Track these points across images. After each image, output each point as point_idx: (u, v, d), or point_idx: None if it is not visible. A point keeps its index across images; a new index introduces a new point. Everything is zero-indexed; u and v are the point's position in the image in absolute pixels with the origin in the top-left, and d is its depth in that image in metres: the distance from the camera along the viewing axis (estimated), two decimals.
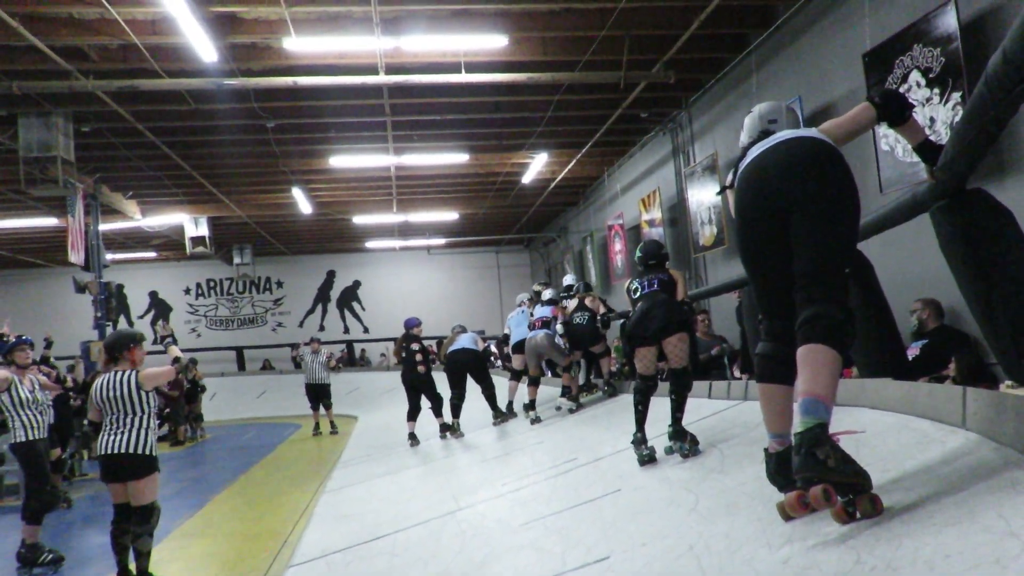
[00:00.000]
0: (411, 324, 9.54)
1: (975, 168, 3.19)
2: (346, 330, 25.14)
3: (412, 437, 9.19)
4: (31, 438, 5.92)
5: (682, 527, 3.26)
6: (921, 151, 3.15)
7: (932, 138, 6.47)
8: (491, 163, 14.98)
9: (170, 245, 20.34)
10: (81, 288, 13.56)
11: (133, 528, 4.70)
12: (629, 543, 3.33)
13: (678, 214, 12.88)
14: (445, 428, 9.10)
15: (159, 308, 24.65)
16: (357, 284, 25.50)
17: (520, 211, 19.92)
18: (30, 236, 18.85)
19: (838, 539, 2.37)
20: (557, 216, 21.40)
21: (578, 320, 8.30)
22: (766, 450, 2.81)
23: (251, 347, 24.03)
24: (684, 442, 4.54)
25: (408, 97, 11.16)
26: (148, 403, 4.82)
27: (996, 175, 5.99)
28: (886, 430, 3.26)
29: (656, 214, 13.51)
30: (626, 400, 7.76)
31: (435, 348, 13.08)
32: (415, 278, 24.96)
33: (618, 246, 15.81)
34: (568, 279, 9.66)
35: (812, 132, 2.82)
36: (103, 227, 14.41)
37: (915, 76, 6.65)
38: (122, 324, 22.89)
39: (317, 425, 14.00)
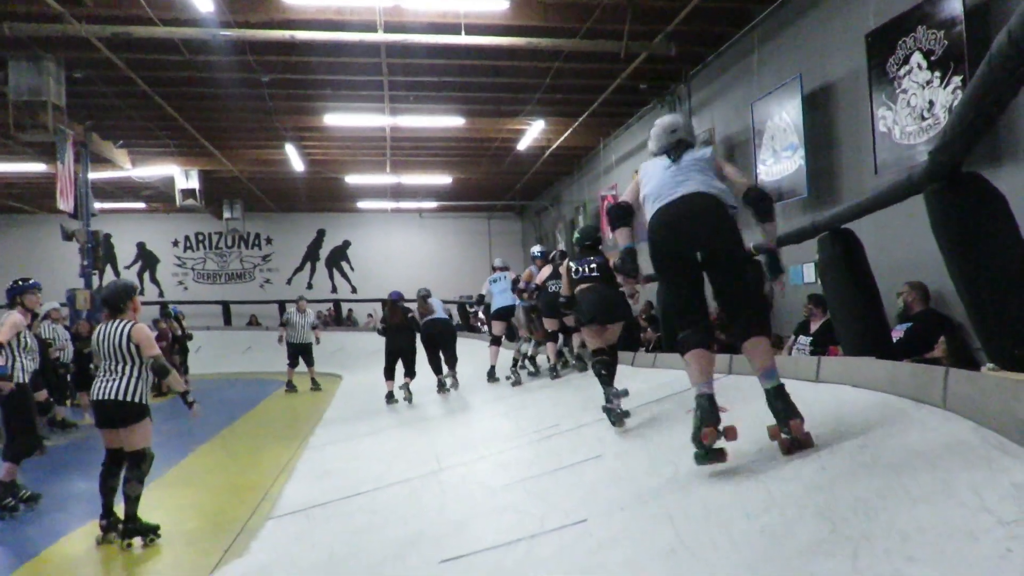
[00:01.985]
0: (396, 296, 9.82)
1: (971, 151, 3.19)
2: (334, 289, 25.08)
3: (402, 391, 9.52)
4: (23, 381, 5.92)
5: (660, 494, 3.29)
6: (766, 254, 3.80)
7: (925, 124, 6.50)
8: (487, 128, 14.87)
9: (159, 197, 20.15)
10: (68, 236, 13.46)
11: (125, 472, 4.82)
12: (608, 507, 3.37)
13: None
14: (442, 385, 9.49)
15: (146, 258, 24.52)
16: (347, 244, 25.40)
17: (514, 178, 19.83)
18: (18, 181, 18.64)
19: (815, 510, 2.40)
20: (551, 185, 21.32)
21: (553, 288, 8.14)
22: (703, 393, 3.37)
23: (238, 302, 23.95)
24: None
25: (406, 57, 11.03)
26: (139, 355, 4.92)
27: (991, 161, 6.00)
28: (868, 408, 3.28)
29: None
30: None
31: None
32: (406, 241, 24.88)
33: None
34: (536, 249, 9.62)
35: (712, 188, 3.54)
36: (92, 176, 14.27)
37: (917, 58, 6.62)
38: (108, 274, 22.80)
39: (290, 382, 13.93)
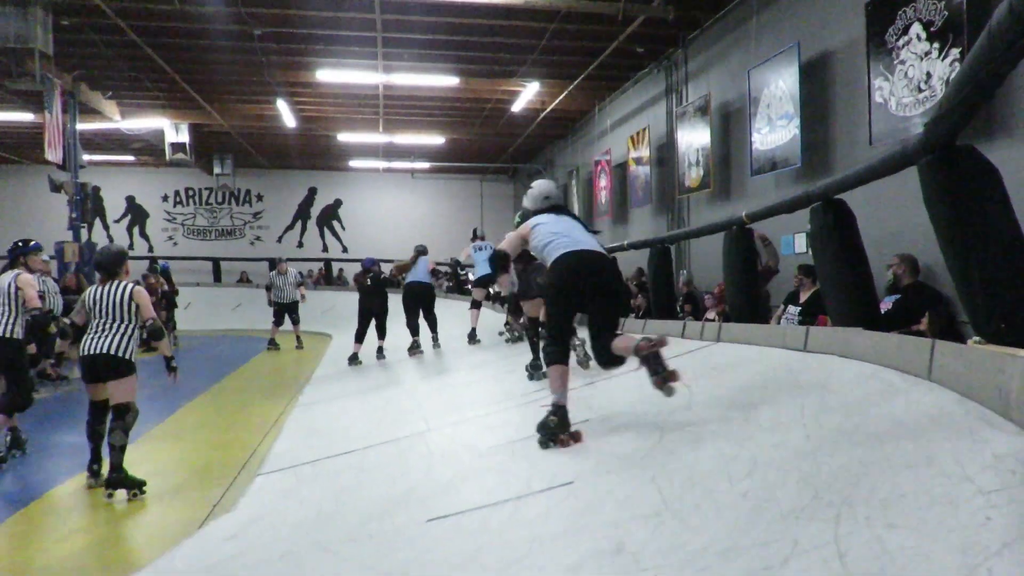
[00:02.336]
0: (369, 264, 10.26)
1: (967, 123, 3.18)
2: (325, 248, 24.99)
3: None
4: (20, 337, 6.01)
5: (646, 458, 3.33)
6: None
7: (921, 96, 6.46)
8: (481, 89, 14.73)
9: (149, 150, 19.95)
10: (57, 187, 13.33)
11: (110, 424, 4.99)
12: (594, 471, 3.40)
13: (666, 154, 12.81)
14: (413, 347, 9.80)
15: (136, 213, 24.32)
16: (338, 203, 25.25)
17: (507, 141, 19.70)
18: (5, 130, 18.39)
19: (798, 476, 2.43)
20: (544, 148, 21.20)
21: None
22: (556, 404, 4.03)
23: (228, 259, 23.85)
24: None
25: (401, 13, 10.88)
26: (135, 315, 5.15)
27: (986, 134, 5.99)
28: (854, 378, 3.31)
29: (644, 152, 13.42)
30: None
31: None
32: (397, 201, 24.75)
33: (603, 182, 15.73)
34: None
35: (601, 247, 4.54)
36: (81, 126, 14.09)
37: (916, 28, 6.57)
38: (98, 227, 22.65)
39: (273, 340, 13.99)
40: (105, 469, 4.99)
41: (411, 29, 11.59)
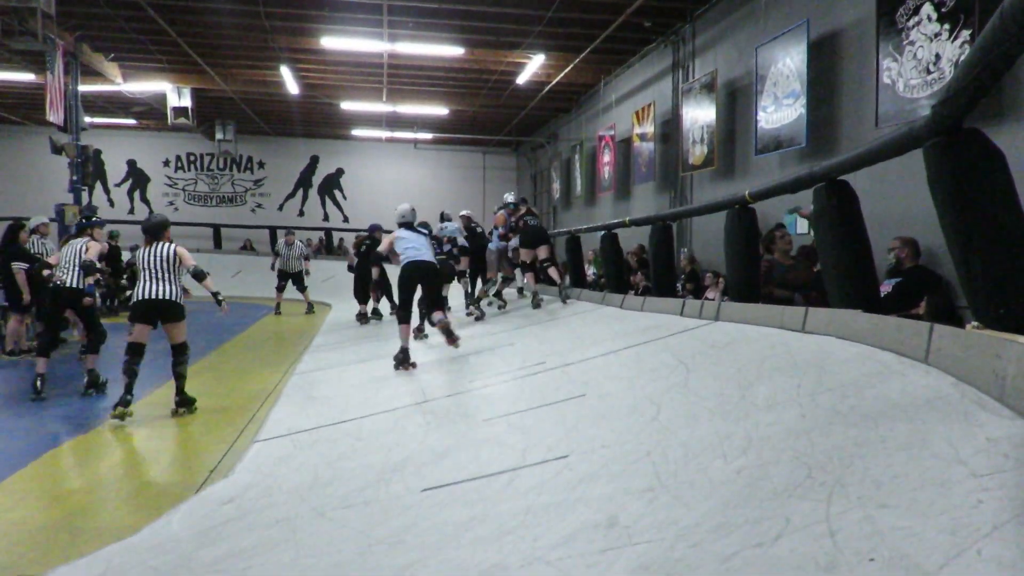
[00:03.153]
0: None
1: (975, 106, 3.15)
2: (326, 217, 24.94)
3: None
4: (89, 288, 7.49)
5: (641, 434, 3.34)
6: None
7: (930, 78, 6.40)
8: (486, 59, 14.60)
9: (151, 114, 19.83)
10: (58, 149, 13.26)
11: (173, 359, 6.41)
12: (589, 445, 3.42)
13: (671, 130, 12.73)
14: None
15: (137, 177, 24.24)
16: (340, 172, 25.16)
17: (511, 113, 19.58)
18: (6, 91, 18.25)
19: (792, 455, 2.44)
20: (548, 122, 21.07)
21: (533, 223, 9.98)
22: (403, 348, 7.07)
23: (229, 226, 23.81)
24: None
25: None
26: (178, 269, 6.46)
27: (994, 118, 5.95)
28: (850, 359, 3.32)
29: (648, 128, 13.35)
30: (603, 311, 7.86)
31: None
32: (399, 171, 24.65)
33: (607, 158, 15.66)
34: (509, 197, 11.23)
35: (434, 258, 7.75)
36: (82, 88, 13.99)
37: (927, 9, 6.51)
38: (98, 191, 22.59)
39: (279, 306, 14.55)
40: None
41: None
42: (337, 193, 25.19)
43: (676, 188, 12.55)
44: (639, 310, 6.96)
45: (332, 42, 13.41)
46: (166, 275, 6.35)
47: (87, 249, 7.31)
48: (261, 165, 24.90)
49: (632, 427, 3.51)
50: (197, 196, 24.64)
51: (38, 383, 6.77)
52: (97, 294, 9.70)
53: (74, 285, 7.16)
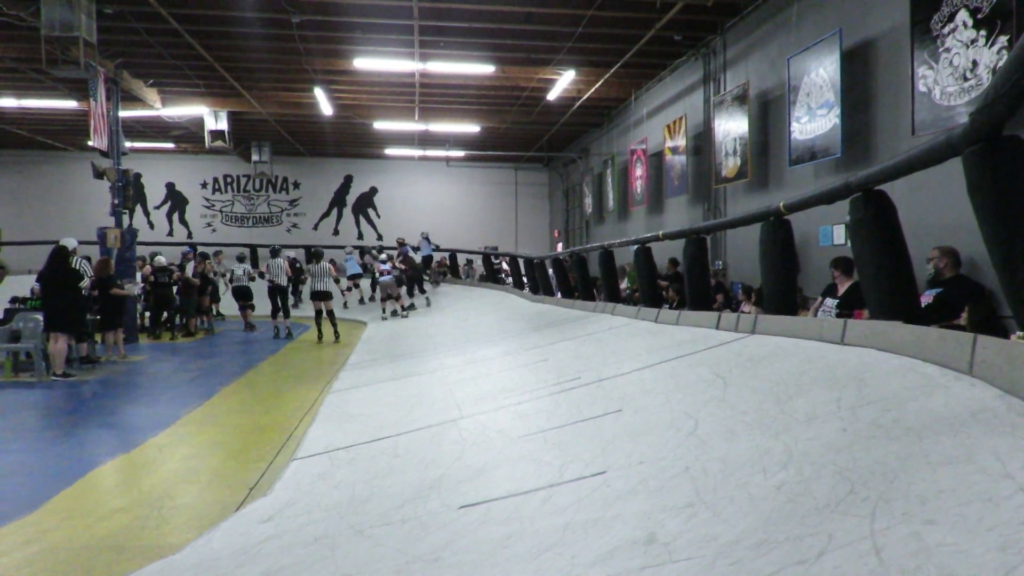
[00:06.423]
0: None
1: (1015, 112, 3.09)
2: (360, 236, 25.17)
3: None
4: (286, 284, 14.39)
5: (679, 449, 3.31)
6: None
7: (967, 85, 6.30)
8: (517, 77, 14.70)
9: (189, 137, 20.24)
10: (99, 174, 13.56)
11: (328, 320, 13.30)
12: (626, 461, 3.39)
13: (703, 143, 12.68)
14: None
15: (175, 199, 24.69)
16: (374, 191, 25.40)
17: (542, 129, 19.65)
18: (49, 118, 18.78)
19: (834, 470, 2.40)
20: (579, 137, 21.10)
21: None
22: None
23: (265, 246, 24.09)
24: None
25: (438, 1, 10.88)
26: (331, 276, 12.14)
27: None
28: (892, 372, 3.26)
29: (680, 141, 13.30)
30: (638, 325, 7.82)
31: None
32: (432, 189, 24.84)
33: (639, 171, 15.63)
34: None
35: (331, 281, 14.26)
36: (122, 114, 14.33)
37: (963, 15, 6.42)
38: (138, 214, 23.07)
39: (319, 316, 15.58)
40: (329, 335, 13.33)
41: (448, 17, 11.59)
42: (371, 212, 25.42)
43: (709, 201, 12.48)
44: (674, 323, 6.91)
45: (365, 63, 13.60)
46: (327, 279, 13.43)
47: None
48: (296, 185, 25.24)
49: (669, 442, 3.47)
50: (234, 217, 25.03)
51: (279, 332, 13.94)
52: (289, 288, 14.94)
53: (280, 283, 14.11)
